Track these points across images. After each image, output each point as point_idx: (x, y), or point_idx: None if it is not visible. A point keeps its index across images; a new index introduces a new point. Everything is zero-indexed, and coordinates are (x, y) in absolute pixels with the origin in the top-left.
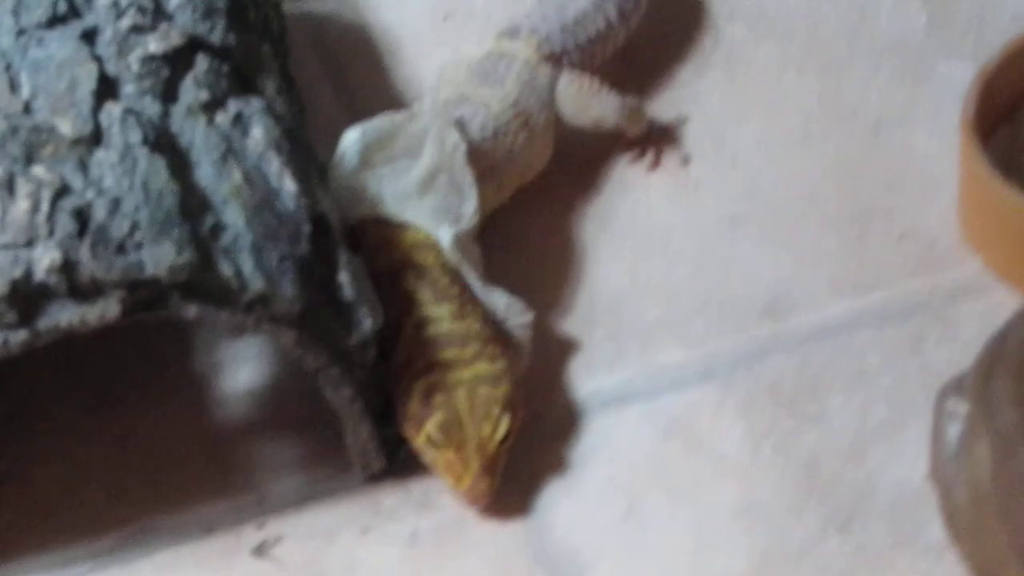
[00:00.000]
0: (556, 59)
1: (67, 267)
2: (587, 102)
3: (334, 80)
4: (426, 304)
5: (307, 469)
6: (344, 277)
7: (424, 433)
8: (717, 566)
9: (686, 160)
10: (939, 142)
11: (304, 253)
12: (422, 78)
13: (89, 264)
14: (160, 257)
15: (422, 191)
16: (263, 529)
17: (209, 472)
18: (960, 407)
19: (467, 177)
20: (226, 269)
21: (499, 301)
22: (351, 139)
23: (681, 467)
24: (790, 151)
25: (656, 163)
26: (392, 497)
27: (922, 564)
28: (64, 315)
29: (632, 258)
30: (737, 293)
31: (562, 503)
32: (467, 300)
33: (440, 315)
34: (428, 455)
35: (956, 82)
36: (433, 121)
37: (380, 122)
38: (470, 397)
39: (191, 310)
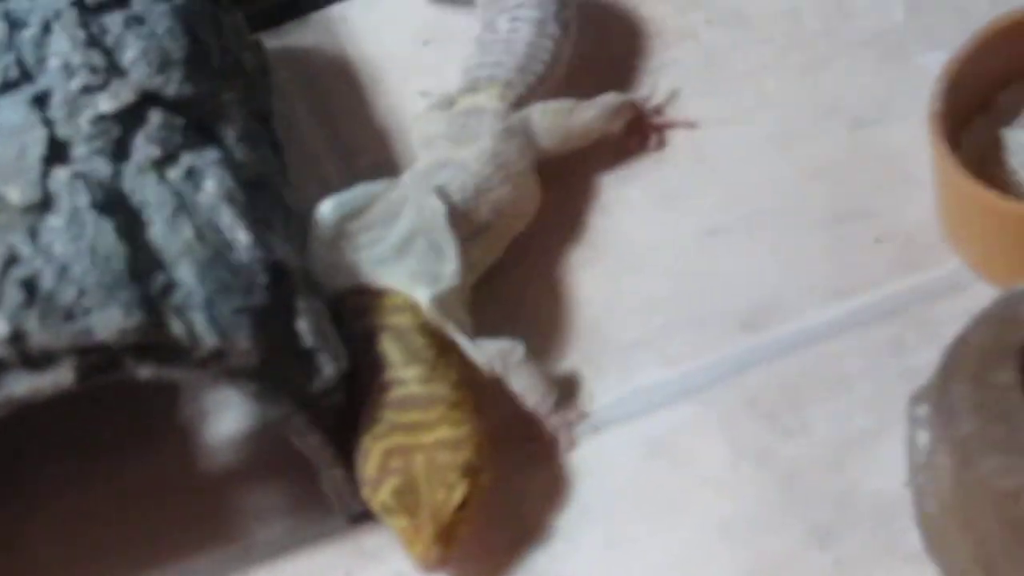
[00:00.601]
0: (523, 100)
1: (16, 338)
2: (567, 124)
3: (318, 113)
4: (395, 366)
5: (292, 515)
6: (303, 324)
7: (379, 498)
8: None
9: (692, 125)
10: (918, 137)
11: (260, 304)
12: (404, 107)
13: (38, 334)
14: (108, 321)
15: (398, 255)
16: None
17: (197, 523)
18: (928, 414)
19: (447, 238)
20: (177, 327)
21: (490, 349)
22: (325, 210)
23: (662, 489)
24: (769, 156)
25: (662, 141)
26: (374, 538)
27: (902, 574)
28: (18, 386)
29: (611, 278)
30: (716, 307)
31: (543, 535)
32: (441, 363)
33: (408, 377)
34: (384, 519)
35: (935, 74)
36: (413, 189)
37: (356, 192)
38: (428, 462)
39: (145, 371)
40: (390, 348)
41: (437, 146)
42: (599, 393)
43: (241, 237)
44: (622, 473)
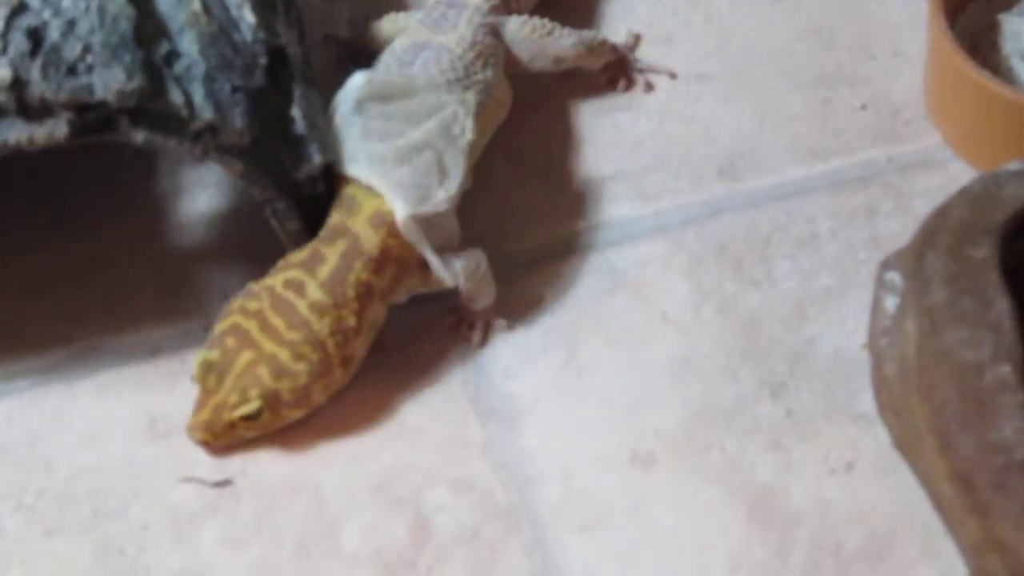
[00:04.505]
0: (504, 6)
1: (17, 85)
2: (541, 43)
3: None
4: (313, 281)
5: None
6: (297, 111)
7: (201, 356)
8: (648, 420)
9: (673, 75)
10: (914, 11)
11: (258, 85)
12: None
13: (39, 84)
14: (110, 81)
15: (399, 160)
16: None
17: (160, 296)
18: (898, 280)
19: (459, 165)
20: (176, 97)
21: (456, 267)
22: (355, 84)
23: (623, 321)
24: (765, 11)
25: (629, 84)
26: None
27: (850, 432)
28: (12, 132)
29: (595, 111)
30: (696, 151)
31: (503, 350)
32: (350, 307)
33: (311, 296)
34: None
35: None
36: (452, 101)
37: (395, 80)
38: (248, 365)
39: (139, 136)
40: (331, 256)
41: (413, 32)
42: (572, 220)
43: (247, 17)
44: (585, 301)
